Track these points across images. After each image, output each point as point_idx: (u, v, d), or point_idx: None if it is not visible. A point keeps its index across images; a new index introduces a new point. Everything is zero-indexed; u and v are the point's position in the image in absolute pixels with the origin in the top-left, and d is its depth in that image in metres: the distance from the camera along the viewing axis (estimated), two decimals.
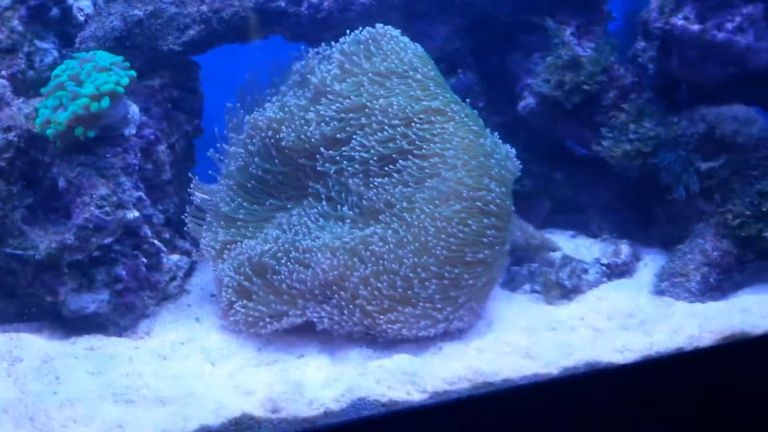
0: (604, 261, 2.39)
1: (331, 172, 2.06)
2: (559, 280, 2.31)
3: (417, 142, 2.02)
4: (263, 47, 2.32)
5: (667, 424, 1.79)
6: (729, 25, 2.09)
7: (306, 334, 2.02)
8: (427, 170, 1.98)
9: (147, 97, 2.11)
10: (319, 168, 2.10)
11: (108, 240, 1.98)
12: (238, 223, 2.15)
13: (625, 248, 2.43)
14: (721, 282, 2.23)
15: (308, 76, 2.15)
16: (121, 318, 2.04)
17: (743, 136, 2.22)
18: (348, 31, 2.17)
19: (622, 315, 2.16)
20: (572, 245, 2.57)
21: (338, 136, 2.07)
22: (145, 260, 2.07)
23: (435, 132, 2.02)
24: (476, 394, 1.86)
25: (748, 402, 1.82)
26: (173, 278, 2.23)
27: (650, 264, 2.44)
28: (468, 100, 2.23)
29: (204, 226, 2.20)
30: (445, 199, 1.97)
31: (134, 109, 2.05)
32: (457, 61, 2.42)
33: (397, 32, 2.13)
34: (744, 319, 2.05)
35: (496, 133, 2.19)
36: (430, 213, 1.95)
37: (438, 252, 1.92)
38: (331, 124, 2.07)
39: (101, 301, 2.00)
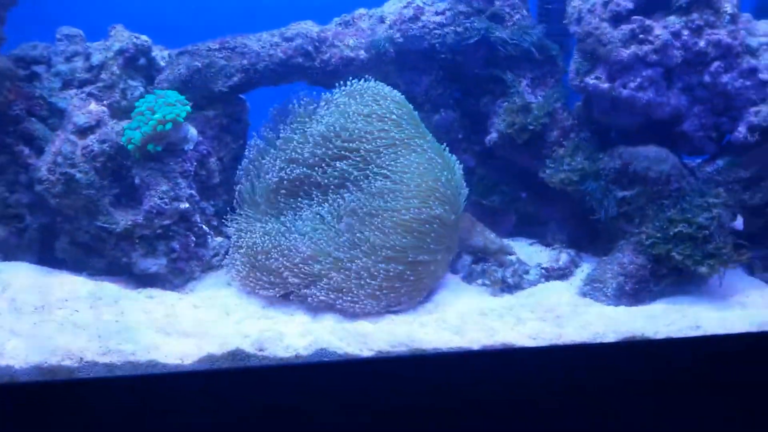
0: (545, 265, 2.93)
1: (321, 184, 2.77)
2: (504, 277, 2.90)
3: (384, 165, 2.68)
4: (294, 89, 3.05)
5: (560, 405, 2.24)
6: (632, 84, 2.61)
7: (301, 301, 2.69)
8: (387, 188, 2.64)
9: (203, 123, 2.89)
10: (313, 180, 2.80)
11: (167, 222, 2.77)
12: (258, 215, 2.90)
13: (564, 256, 2.96)
14: (636, 291, 2.67)
15: (312, 114, 2.90)
16: (174, 278, 2.80)
17: (654, 171, 2.72)
18: (351, 79, 2.87)
19: (543, 309, 2.65)
20: (528, 252, 3.12)
21: (329, 157, 2.75)
22: (194, 239, 2.85)
23: (399, 159, 2.69)
24: (409, 356, 2.50)
25: (631, 395, 2.25)
26: (216, 254, 2.96)
27: (586, 270, 2.93)
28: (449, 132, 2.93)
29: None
30: (397, 211, 2.61)
31: (192, 131, 2.84)
32: (441, 103, 3.07)
33: (379, 85, 2.81)
34: (646, 324, 2.48)
35: (456, 163, 2.80)
36: (382, 221, 2.60)
37: (384, 252, 2.57)
38: (324, 149, 2.77)
39: (160, 265, 2.78)
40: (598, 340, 2.50)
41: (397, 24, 2.91)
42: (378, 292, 2.58)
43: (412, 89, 2.96)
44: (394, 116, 2.70)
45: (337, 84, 2.87)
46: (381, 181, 2.64)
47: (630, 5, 2.56)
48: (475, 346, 2.44)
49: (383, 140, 2.68)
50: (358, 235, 2.62)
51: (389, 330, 2.50)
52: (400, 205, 2.59)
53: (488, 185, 3.10)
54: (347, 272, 2.59)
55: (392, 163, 2.65)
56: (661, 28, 2.54)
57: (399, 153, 2.66)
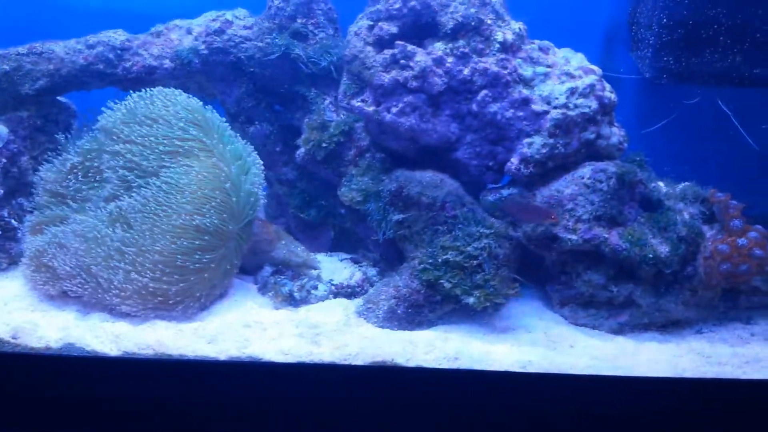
0: (336, 282, 2.94)
1: (104, 185, 2.83)
2: (291, 291, 2.92)
3: (164, 171, 2.71)
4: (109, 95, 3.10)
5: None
6: (394, 109, 2.58)
7: (79, 298, 2.75)
8: (164, 193, 2.67)
9: (16, 123, 2.99)
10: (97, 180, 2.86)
11: None
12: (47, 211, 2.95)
13: (359, 274, 2.96)
14: (410, 315, 2.65)
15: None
16: None
17: (427, 197, 2.69)
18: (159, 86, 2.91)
19: (309, 326, 2.66)
20: (335, 268, 3.15)
21: (113, 159, 2.79)
22: (0, 233, 3.01)
23: (180, 165, 2.74)
24: (148, 359, 2.54)
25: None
26: None
27: None
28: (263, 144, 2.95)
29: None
30: (168, 216, 2.66)
31: (3, 130, 2.99)
32: (256, 115, 3.11)
33: (174, 92, 2.82)
34: (403, 350, 2.49)
35: (256, 173, 2.80)
36: (154, 225, 2.64)
37: (152, 256, 2.61)
38: (110, 152, 2.81)
39: None
40: (347, 362, 2.53)
41: (202, 36, 2.97)
42: (145, 294, 2.64)
43: (225, 100, 3.01)
44: (181, 123, 2.74)
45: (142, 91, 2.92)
46: (159, 185, 2.70)
47: (394, 30, 2.55)
48: (222, 357, 2.51)
49: (166, 146, 2.73)
50: (129, 236, 2.68)
51: (145, 333, 2.59)
52: (172, 210, 2.65)
53: (306, 199, 3.12)
54: (116, 271, 2.65)
55: (172, 168, 2.71)
56: (424, 55, 2.52)
57: (181, 160, 2.71)
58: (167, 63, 2.98)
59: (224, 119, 2.85)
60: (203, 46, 2.96)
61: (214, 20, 2.97)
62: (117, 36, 3.04)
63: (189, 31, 3.01)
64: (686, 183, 2.75)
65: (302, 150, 2.95)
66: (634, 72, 3.32)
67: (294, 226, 3.20)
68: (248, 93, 3.02)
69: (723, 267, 2.60)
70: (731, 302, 2.78)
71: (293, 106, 3.03)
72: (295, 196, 3.11)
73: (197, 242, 2.66)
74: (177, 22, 3.09)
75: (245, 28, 2.95)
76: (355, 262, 3.13)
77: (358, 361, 2.50)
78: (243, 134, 3.04)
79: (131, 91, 2.86)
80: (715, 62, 2.98)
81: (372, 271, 3.01)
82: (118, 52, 3.00)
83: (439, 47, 2.56)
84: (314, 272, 3.02)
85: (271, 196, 3.28)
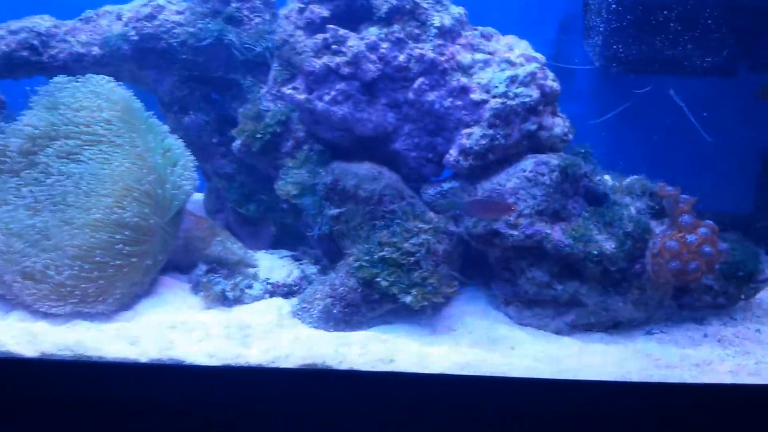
0: (272, 280, 2.81)
1: (25, 175, 2.68)
2: (224, 290, 2.79)
3: (85, 161, 2.57)
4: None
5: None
6: (326, 97, 2.45)
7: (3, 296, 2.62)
8: (83, 184, 2.53)
9: None
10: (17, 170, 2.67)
11: None
12: None
13: (296, 272, 2.83)
14: (346, 315, 2.52)
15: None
16: None
17: (364, 190, 2.56)
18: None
19: (239, 327, 2.52)
20: (274, 265, 3.02)
21: (35, 149, 2.63)
22: None
23: (102, 156, 2.59)
24: (65, 360, 2.40)
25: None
26: None
27: None
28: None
29: None
30: (86, 209, 2.52)
31: None
32: (190, 105, 2.97)
33: (101, 80, 2.67)
34: (335, 351, 2.35)
35: (186, 166, 2.66)
36: (72, 218, 2.50)
37: (72, 250, 2.48)
38: (31, 141, 2.65)
39: None
40: (276, 364, 2.40)
41: (132, 21, 2.82)
42: (63, 290, 2.49)
43: (157, 89, 2.87)
44: (104, 113, 2.60)
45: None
46: (78, 177, 2.56)
47: (326, 13, 2.42)
48: (143, 359, 2.37)
49: (89, 136, 2.59)
50: (47, 229, 2.53)
51: (64, 333, 2.45)
52: (91, 203, 2.51)
53: (245, 193, 2.99)
54: (34, 266, 2.51)
55: (93, 159, 2.57)
56: (357, 40, 2.39)
57: (103, 150, 2.56)
58: (96, 50, 2.84)
59: (153, 110, 2.71)
60: (133, 32, 2.82)
61: (145, 5, 2.83)
62: (43, 22, 2.90)
63: (119, 17, 2.87)
64: (634, 176, 2.63)
65: (238, 141, 2.81)
66: (587, 62, 3.20)
67: (233, 221, 3.06)
68: (181, 81, 2.88)
69: (672, 264, 2.48)
70: (683, 301, 2.67)
71: (229, 95, 2.90)
72: (233, 190, 2.97)
73: (117, 236, 2.52)
74: (108, 7, 2.95)
75: (177, 13, 2.81)
76: (296, 259, 2.99)
77: (288, 364, 2.37)
78: (177, 125, 2.91)
79: None
80: (666, 50, 2.87)
81: (312, 269, 2.87)
82: (44, 38, 2.85)
83: (373, 32, 2.43)
84: (251, 270, 2.88)
85: (210, 191, 3.14)
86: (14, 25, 2.88)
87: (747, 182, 3.29)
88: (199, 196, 3.42)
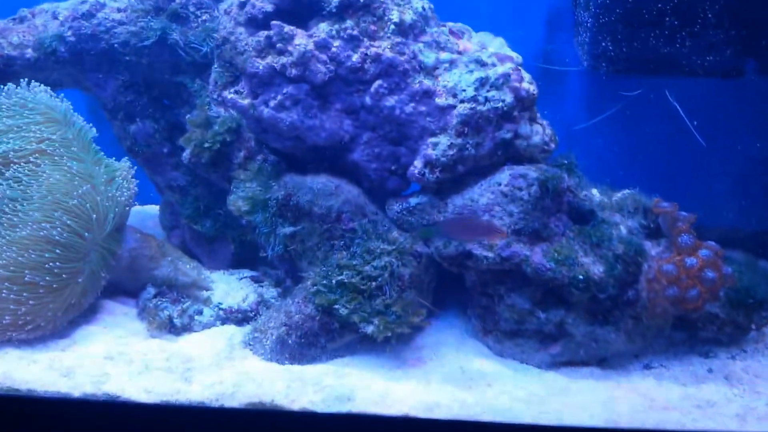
0: (224, 306, 2.54)
1: None
2: (171, 317, 2.52)
3: (12, 176, 2.32)
4: None
5: None
6: (272, 103, 2.17)
7: None
8: (9, 200, 2.27)
9: None
10: None
11: None
12: None
13: (252, 296, 2.55)
14: (302, 346, 2.26)
15: None
16: None
17: (320, 207, 2.28)
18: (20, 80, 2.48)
19: (182, 358, 2.31)
20: (231, 287, 2.73)
21: None
22: None
23: (31, 169, 2.35)
24: None
25: None
26: None
27: None
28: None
29: None
30: (14, 225, 2.27)
31: None
32: (136, 111, 2.69)
33: (30, 86, 2.44)
34: (287, 387, 2.10)
35: (122, 176, 2.40)
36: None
37: None
38: None
39: None
40: (218, 403, 2.13)
41: (69, 20, 2.54)
42: None
43: (99, 94, 2.60)
44: (33, 127, 2.34)
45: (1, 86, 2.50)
46: (3, 190, 2.30)
47: (269, 8, 2.13)
48: (75, 393, 2.12)
49: (17, 149, 2.34)
50: None
51: None
52: (18, 218, 2.26)
53: (200, 208, 2.71)
54: None
55: (21, 173, 2.31)
56: (304, 37, 2.10)
57: (32, 163, 2.32)
58: (29, 52, 2.57)
59: (87, 118, 2.46)
60: (70, 33, 2.55)
61: (83, 2, 2.55)
62: None
63: (55, 16, 2.60)
64: (626, 191, 2.33)
65: (187, 151, 2.53)
66: (577, 63, 2.89)
67: (189, 238, 2.79)
68: (126, 85, 2.61)
69: (669, 291, 2.17)
70: (686, 332, 2.37)
71: (180, 100, 2.63)
72: (187, 205, 2.70)
73: (47, 254, 2.26)
74: (44, 6, 2.68)
75: (118, 11, 2.53)
76: (256, 281, 2.72)
77: (233, 402, 2.11)
78: (124, 132, 2.64)
79: None
80: (661, 48, 2.54)
81: (271, 292, 2.60)
82: None
83: (323, 28, 2.14)
84: (204, 294, 2.61)
85: (165, 205, 2.87)
86: None
87: (757, 194, 2.95)
88: (156, 211, 3.18)
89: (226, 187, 2.55)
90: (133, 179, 2.46)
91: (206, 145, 2.41)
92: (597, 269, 2.15)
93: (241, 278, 2.77)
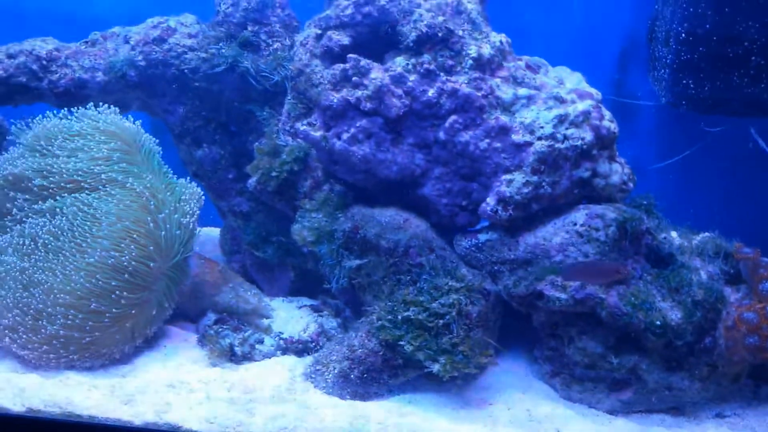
0: (285, 336, 2.51)
1: (17, 216, 2.45)
2: (232, 345, 2.49)
3: (80, 202, 2.33)
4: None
5: None
6: (345, 135, 2.14)
7: None
8: (78, 226, 2.29)
9: None
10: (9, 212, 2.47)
11: None
12: None
13: (313, 326, 2.51)
14: (365, 381, 2.21)
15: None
16: None
17: (388, 240, 2.24)
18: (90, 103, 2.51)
19: (244, 389, 2.28)
20: (291, 315, 2.70)
21: (28, 190, 2.43)
22: None
23: (101, 194, 2.35)
24: (52, 419, 2.17)
25: None
26: None
27: None
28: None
29: None
30: (83, 251, 2.27)
31: None
32: (203, 137, 2.70)
33: (99, 113, 2.45)
34: (350, 425, 2.05)
35: (190, 203, 2.38)
36: (65, 261, 2.26)
37: (62, 298, 2.23)
38: (24, 182, 2.43)
39: None
40: None
41: (140, 45, 2.56)
42: (55, 342, 2.24)
43: (167, 119, 2.61)
44: (104, 149, 2.36)
45: (74, 108, 2.50)
46: (73, 218, 2.31)
47: (346, 41, 2.11)
48: (137, 421, 2.10)
49: (87, 172, 2.35)
50: (38, 274, 2.28)
51: (54, 388, 2.19)
52: (86, 245, 2.26)
53: (262, 235, 2.69)
54: (24, 315, 2.26)
55: (88, 199, 2.32)
56: (380, 71, 2.08)
57: (102, 187, 2.32)
58: (100, 76, 2.60)
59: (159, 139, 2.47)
60: (140, 57, 2.57)
61: (154, 27, 2.58)
62: (44, 44, 2.66)
63: (126, 40, 2.62)
64: (706, 234, 2.26)
65: (253, 179, 2.53)
66: (651, 98, 2.80)
67: (250, 264, 2.77)
68: (194, 111, 2.62)
69: (749, 340, 2.09)
70: (762, 381, 2.27)
71: (247, 128, 2.62)
72: (249, 231, 2.68)
73: (114, 282, 2.26)
74: (116, 29, 2.70)
75: (190, 36, 2.55)
76: (315, 310, 2.68)
77: None
78: (190, 157, 2.64)
79: (61, 108, 2.50)
80: (745, 87, 2.46)
81: (331, 323, 2.57)
82: (44, 62, 2.61)
83: (399, 63, 2.12)
84: (265, 322, 2.59)
85: (226, 230, 2.86)
86: (13, 48, 2.66)
87: None
88: (216, 234, 3.18)
89: (291, 214, 2.53)
90: (200, 205, 2.46)
91: (273, 173, 2.40)
92: (675, 315, 2.07)
93: (300, 306, 2.76)
